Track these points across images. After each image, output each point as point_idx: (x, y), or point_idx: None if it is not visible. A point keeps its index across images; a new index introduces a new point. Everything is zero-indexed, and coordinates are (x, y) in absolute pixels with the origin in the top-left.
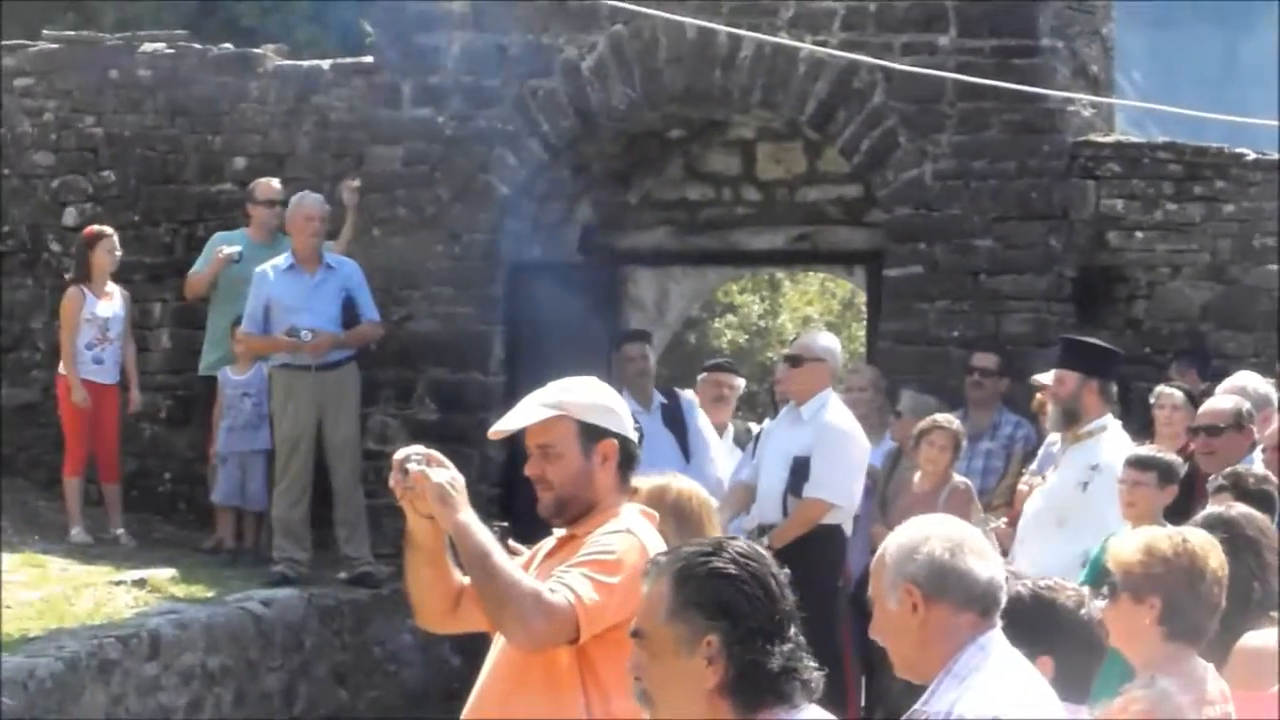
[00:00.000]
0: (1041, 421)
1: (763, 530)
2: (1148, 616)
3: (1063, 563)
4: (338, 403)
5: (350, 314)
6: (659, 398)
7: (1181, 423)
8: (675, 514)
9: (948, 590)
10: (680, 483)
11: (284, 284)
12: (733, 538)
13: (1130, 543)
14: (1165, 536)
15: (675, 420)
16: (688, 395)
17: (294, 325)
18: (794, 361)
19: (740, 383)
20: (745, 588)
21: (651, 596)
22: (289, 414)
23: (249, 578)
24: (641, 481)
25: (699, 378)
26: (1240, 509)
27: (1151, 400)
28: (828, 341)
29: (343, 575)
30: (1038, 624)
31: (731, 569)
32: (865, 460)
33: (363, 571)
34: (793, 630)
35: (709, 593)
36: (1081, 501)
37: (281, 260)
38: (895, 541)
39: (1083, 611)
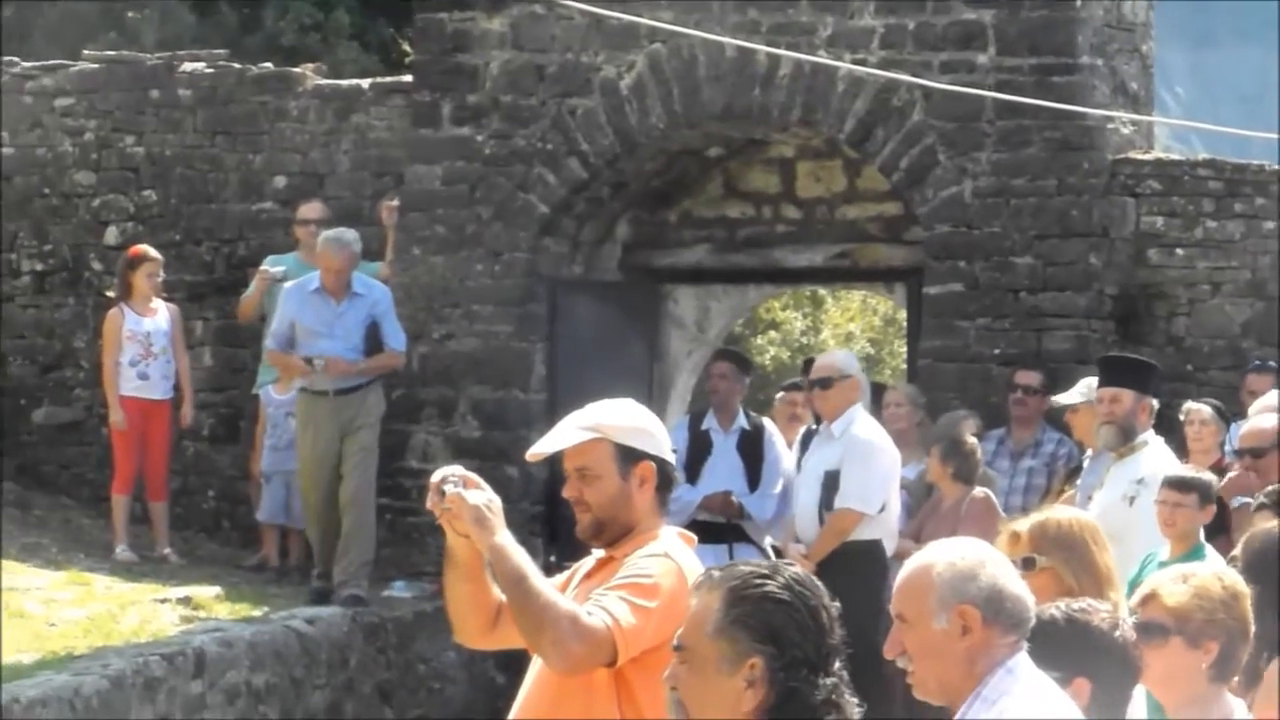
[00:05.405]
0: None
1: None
2: (1204, 661)
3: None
4: (357, 426)
5: (375, 340)
6: (742, 422)
7: (1211, 438)
8: (1060, 546)
9: (1002, 614)
10: (1059, 514)
11: (308, 307)
12: (788, 563)
13: (1177, 584)
14: (1213, 578)
15: (751, 448)
16: (773, 428)
17: (308, 355)
18: (824, 384)
19: None
20: (797, 615)
21: (699, 610)
22: (309, 438)
23: (294, 595)
24: (1020, 524)
25: (777, 396)
26: None
27: (1181, 416)
28: (847, 357)
29: (316, 585)
30: (1073, 647)
31: (785, 595)
32: (895, 470)
33: (351, 594)
34: (838, 665)
35: (760, 616)
36: (1130, 516)
37: (310, 281)
38: (944, 560)
39: (1117, 634)
